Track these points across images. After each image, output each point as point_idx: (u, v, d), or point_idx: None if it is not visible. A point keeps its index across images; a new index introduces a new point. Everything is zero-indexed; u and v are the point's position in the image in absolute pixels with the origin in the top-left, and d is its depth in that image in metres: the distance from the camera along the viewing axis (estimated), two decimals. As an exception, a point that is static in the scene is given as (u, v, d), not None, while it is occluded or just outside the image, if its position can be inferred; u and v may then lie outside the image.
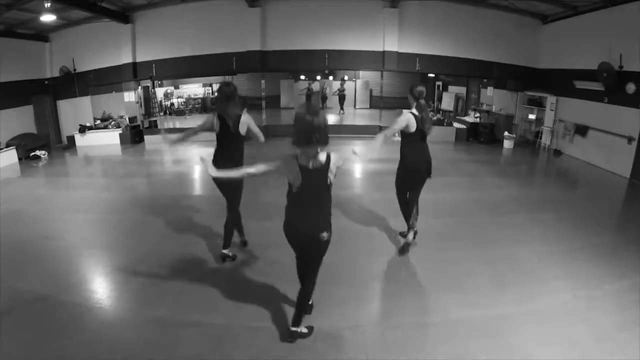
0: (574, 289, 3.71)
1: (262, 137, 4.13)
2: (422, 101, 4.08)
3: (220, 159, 3.83)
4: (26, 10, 9.31)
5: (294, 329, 3.02)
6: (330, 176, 2.65)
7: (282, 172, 2.66)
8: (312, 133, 2.46)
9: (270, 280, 3.88)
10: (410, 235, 4.49)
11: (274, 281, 3.86)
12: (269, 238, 4.68)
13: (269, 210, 5.38)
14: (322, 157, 2.61)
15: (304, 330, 3.07)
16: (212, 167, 2.94)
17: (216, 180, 3.73)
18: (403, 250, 4.48)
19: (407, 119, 4.02)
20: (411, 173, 4.25)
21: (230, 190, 4.07)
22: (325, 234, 2.68)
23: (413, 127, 4.04)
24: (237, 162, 3.87)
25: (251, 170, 2.76)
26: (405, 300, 3.57)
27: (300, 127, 2.49)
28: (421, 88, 4.08)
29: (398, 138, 4.31)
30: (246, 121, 3.95)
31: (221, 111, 3.83)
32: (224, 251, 4.26)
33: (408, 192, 4.39)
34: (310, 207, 2.67)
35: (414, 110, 4.08)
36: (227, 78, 16.43)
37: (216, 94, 3.85)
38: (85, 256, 4.61)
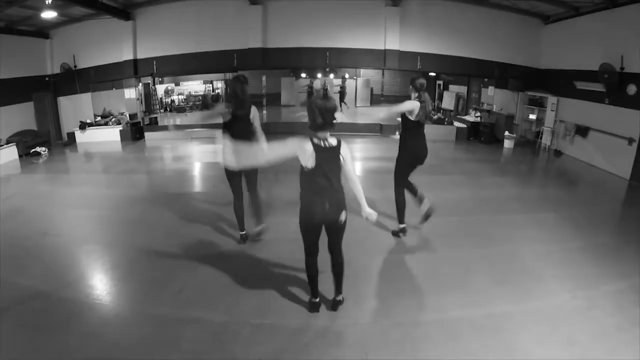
0: (573, 289, 3.72)
1: (262, 137, 4.25)
2: (423, 93, 4.27)
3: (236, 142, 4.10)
4: (27, 7, 9.28)
5: (338, 298, 3.37)
6: (341, 157, 2.89)
7: (297, 151, 2.85)
8: (325, 114, 2.77)
9: (271, 277, 3.90)
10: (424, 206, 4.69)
11: (275, 277, 3.88)
12: (270, 234, 4.69)
13: (271, 207, 5.38)
14: (334, 140, 2.88)
15: (341, 298, 3.38)
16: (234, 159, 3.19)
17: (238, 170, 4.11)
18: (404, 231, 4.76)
19: (413, 104, 4.22)
20: (413, 158, 4.46)
21: (252, 175, 4.36)
22: (342, 216, 2.97)
23: (413, 115, 4.25)
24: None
25: (271, 154, 2.99)
26: (405, 299, 3.58)
27: (314, 109, 2.78)
28: (422, 80, 4.29)
29: (397, 136, 4.41)
30: (255, 113, 4.18)
31: (238, 95, 4.02)
32: (258, 229, 4.56)
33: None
34: (325, 187, 2.87)
35: (417, 101, 4.28)
36: (228, 75, 16.46)
37: (232, 83, 4.16)
38: (85, 252, 4.61)
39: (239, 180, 4.33)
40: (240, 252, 4.44)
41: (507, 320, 3.27)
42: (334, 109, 2.84)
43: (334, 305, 3.37)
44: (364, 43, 11.15)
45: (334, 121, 2.83)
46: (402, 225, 4.76)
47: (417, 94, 4.27)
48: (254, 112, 4.18)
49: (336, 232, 3.08)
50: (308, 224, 3.02)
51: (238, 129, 4.06)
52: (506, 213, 5.72)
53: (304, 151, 2.81)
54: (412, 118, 4.28)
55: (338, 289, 3.36)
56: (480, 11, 10.69)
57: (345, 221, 3.01)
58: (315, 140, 2.82)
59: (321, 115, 2.77)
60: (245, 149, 3.51)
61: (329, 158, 2.85)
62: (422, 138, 4.43)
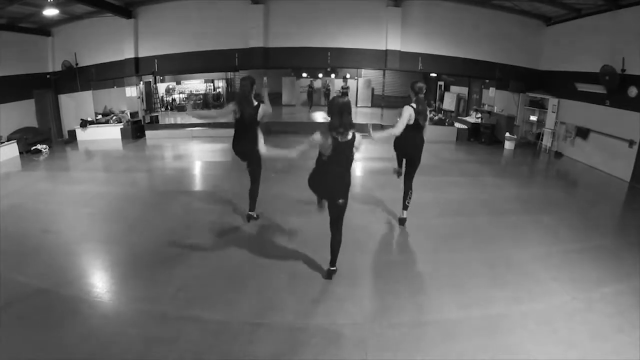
0: (573, 291, 3.73)
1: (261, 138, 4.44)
2: (421, 96, 4.47)
3: (240, 140, 4.51)
4: (29, 4, 9.27)
5: (332, 268, 3.80)
6: (354, 150, 3.41)
7: (319, 142, 3.32)
8: (343, 112, 3.26)
9: (271, 276, 3.90)
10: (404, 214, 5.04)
11: (275, 277, 3.89)
12: (271, 233, 4.70)
13: (273, 205, 5.39)
14: (349, 135, 3.34)
15: (334, 268, 3.82)
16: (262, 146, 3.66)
17: (247, 155, 4.57)
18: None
19: (410, 113, 4.42)
20: (397, 152, 4.87)
21: (255, 164, 4.66)
22: (341, 201, 3.49)
23: (412, 120, 4.43)
24: (254, 142, 4.25)
25: (298, 150, 3.44)
26: (404, 299, 3.59)
27: (334, 108, 3.29)
28: (421, 84, 4.51)
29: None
30: (262, 108, 4.50)
31: (243, 99, 4.41)
32: (250, 212, 4.93)
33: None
34: (334, 174, 3.43)
35: (414, 104, 4.46)
36: (230, 74, 16.46)
37: (240, 85, 4.60)
38: (85, 250, 4.62)
39: (251, 169, 4.70)
40: (240, 251, 4.44)
41: (505, 321, 3.28)
42: (349, 108, 3.30)
43: (329, 274, 3.79)
44: (365, 43, 11.16)
45: (351, 122, 3.30)
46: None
47: (415, 97, 4.46)
48: (261, 108, 4.46)
49: (336, 211, 3.57)
50: (313, 191, 3.63)
51: (243, 126, 4.43)
52: (506, 214, 5.73)
53: (325, 141, 3.28)
54: (410, 123, 4.44)
55: (333, 262, 3.79)
56: (481, 12, 10.69)
57: (343, 204, 3.50)
58: (335, 134, 3.27)
59: (339, 115, 3.24)
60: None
61: (344, 149, 3.34)
62: (412, 138, 4.58)
